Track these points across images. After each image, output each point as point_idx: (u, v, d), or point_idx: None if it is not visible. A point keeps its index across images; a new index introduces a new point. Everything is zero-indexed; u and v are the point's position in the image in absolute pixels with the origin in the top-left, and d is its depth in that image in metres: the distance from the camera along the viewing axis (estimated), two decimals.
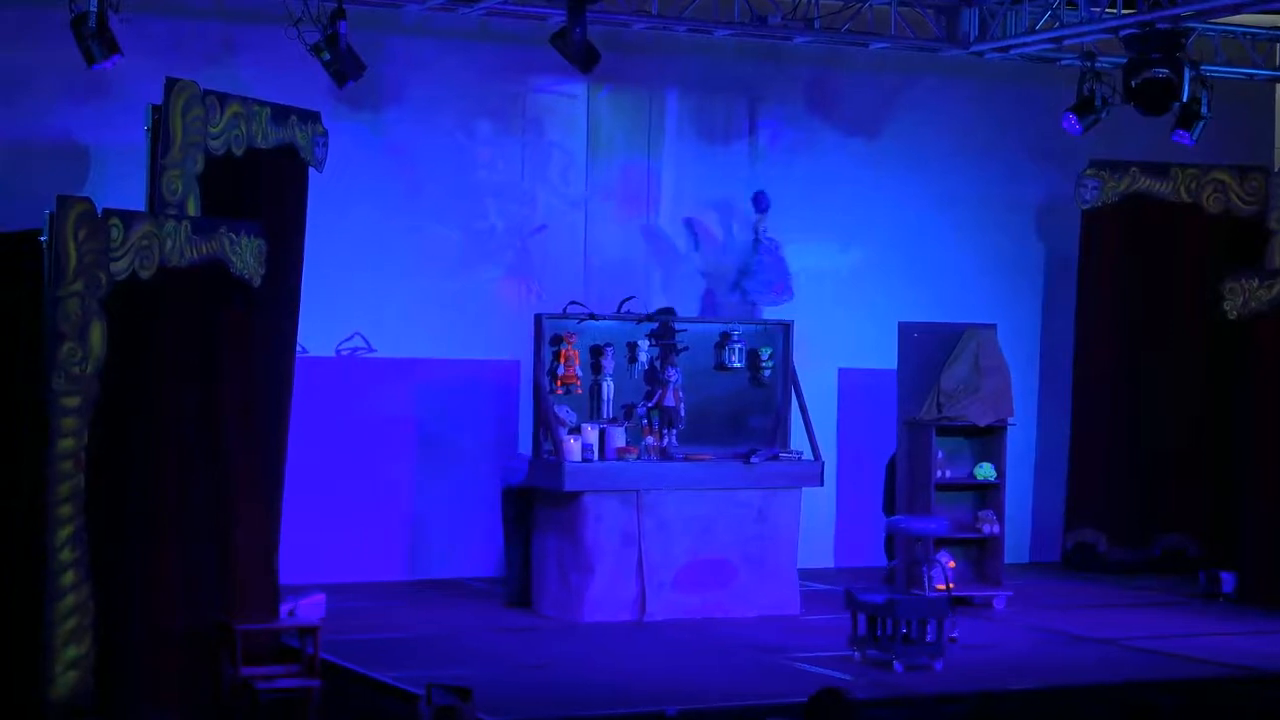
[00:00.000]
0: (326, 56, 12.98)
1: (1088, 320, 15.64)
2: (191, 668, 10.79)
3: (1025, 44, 14.65)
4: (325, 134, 12.98)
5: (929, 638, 11.16)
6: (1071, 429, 15.71)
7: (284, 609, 11.75)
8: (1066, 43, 14.53)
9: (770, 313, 14.76)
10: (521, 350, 14.90)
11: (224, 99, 11.88)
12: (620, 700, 10.30)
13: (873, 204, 16.12)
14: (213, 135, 11.80)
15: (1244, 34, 15.58)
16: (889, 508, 14.37)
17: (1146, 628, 12.89)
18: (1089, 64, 14.69)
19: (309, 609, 11.91)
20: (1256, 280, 14.52)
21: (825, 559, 15.39)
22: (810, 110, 16.08)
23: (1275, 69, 15.99)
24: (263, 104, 12.31)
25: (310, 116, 12.87)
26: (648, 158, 15.62)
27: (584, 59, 13.09)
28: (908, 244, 16.19)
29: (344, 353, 14.66)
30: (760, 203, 15.29)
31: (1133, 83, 13.34)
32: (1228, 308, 14.58)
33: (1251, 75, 15.88)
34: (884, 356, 15.55)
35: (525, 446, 14.68)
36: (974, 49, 14.80)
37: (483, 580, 14.73)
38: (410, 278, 14.84)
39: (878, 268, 16.09)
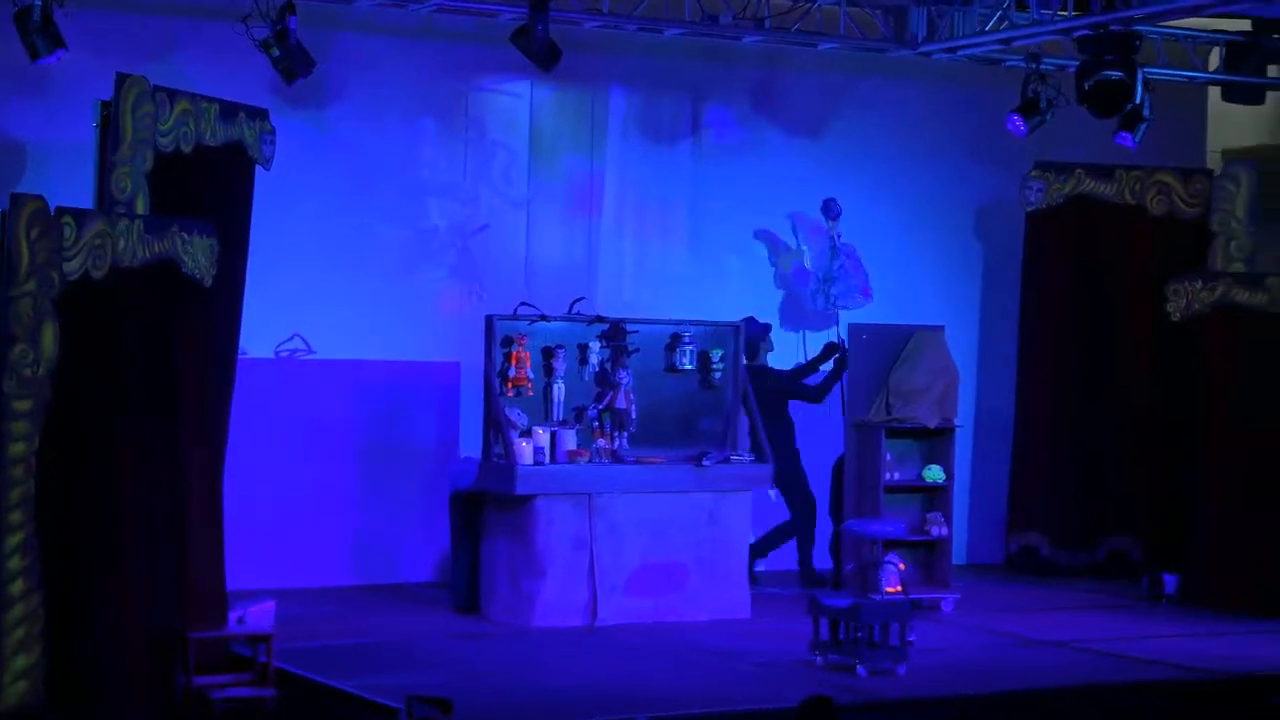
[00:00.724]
0: (276, 53, 12.77)
1: (1031, 322, 15.65)
2: (144, 677, 10.56)
3: (974, 45, 14.60)
4: (273, 131, 12.78)
5: (892, 641, 11.08)
6: (1014, 431, 15.70)
7: (233, 616, 11.52)
8: (1016, 44, 14.50)
9: (722, 314, 14.52)
10: (463, 352, 14.78)
11: (173, 95, 11.66)
12: (583, 708, 10.16)
13: (818, 205, 16.01)
14: (162, 132, 11.57)
15: (1185, 37, 15.61)
16: (836, 510, 14.31)
17: (1098, 630, 12.89)
18: (1034, 66, 14.68)
19: (258, 616, 11.66)
20: (1200, 282, 14.56)
21: (767, 561, 15.27)
22: (755, 110, 15.99)
23: (1212, 73, 16.00)
24: (211, 100, 12.09)
25: (258, 114, 12.66)
26: (591, 157, 15.49)
27: (545, 57, 12.95)
28: (859, 246, 16.10)
29: (283, 354, 14.43)
30: (831, 209, 15.31)
31: (1085, 85, 13.31)
32: (1171, 310, 14.61)
33: (1192, 78, 15.91)
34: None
35: (467, 449, 14.55)
36: (922, 49, 14.72)
37: (426, 585, 14.54)
38: (350, 278, 14.61)
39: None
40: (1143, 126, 14.61)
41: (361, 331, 14.64)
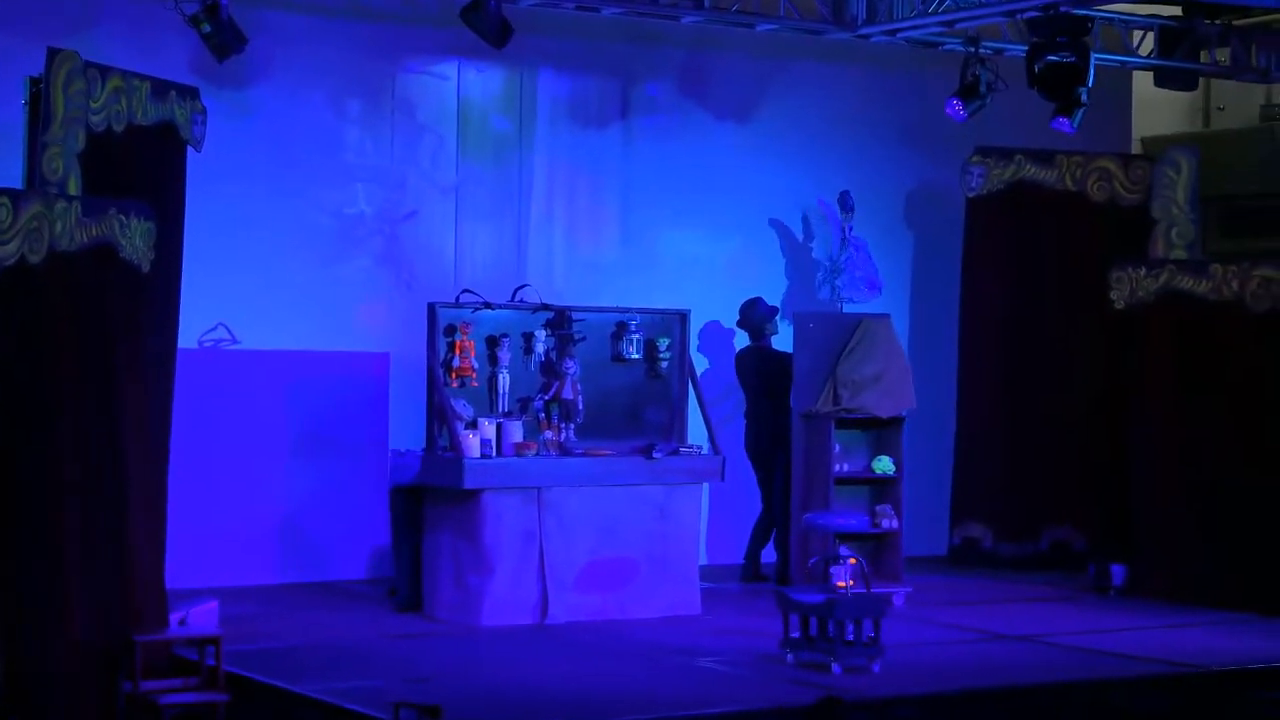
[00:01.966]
0: (206, 28, 12.23)
1: (972, 310, 15.40)
2: (87, 683, 10.06)
3: (915, 27, 14.29)
4: (204, 111, 12.26)
5: (865, 638, 10.74)
6: (956, 422, 15.45)
7: (174, 618, 11.00)
8: (959, 26, 14.19)
9: (655, 301, 14.13)
10: (392, 342, 14.37)
11: (105, 72, 11.11)
12: (557, 712, 9.74)
13: (747, 189, 15.71)
14: (94, 110, 11.04)
15: (1119, 21, 15.42)
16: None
17: (1058, 623, 12.65)
18: (973, 49, 14.42)
19: (202, 617, 11.18)
20: (1143, 269, 14.36)
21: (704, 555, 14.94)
22: (684, 92, 15.64)
23: (1145, 57, 15.81)
24: (143, 78, 11.56)
25: (189, 92, 12.14)
26: (520, 141, 15.05)
27: (498, 33, 12.50)
28: (784, 232, 15.82)
29: (207, 344, 13.88)
30: (846, 202, 14.99)
31: (1036, 68, 13.04)
32: (1115, 298, 14.40)
33: (1125, 63, 15.72)
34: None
35: (397, 442, 14.09)
36: (861, 32, 14.39)
37: (358, 583, 14.07)
38: (275, 265, 14.11)
39: (755, 256, 15.68)
40: (1080, 112, 14.37)
41: (287, 321, 14.14)
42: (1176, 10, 15.73)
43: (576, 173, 15.30)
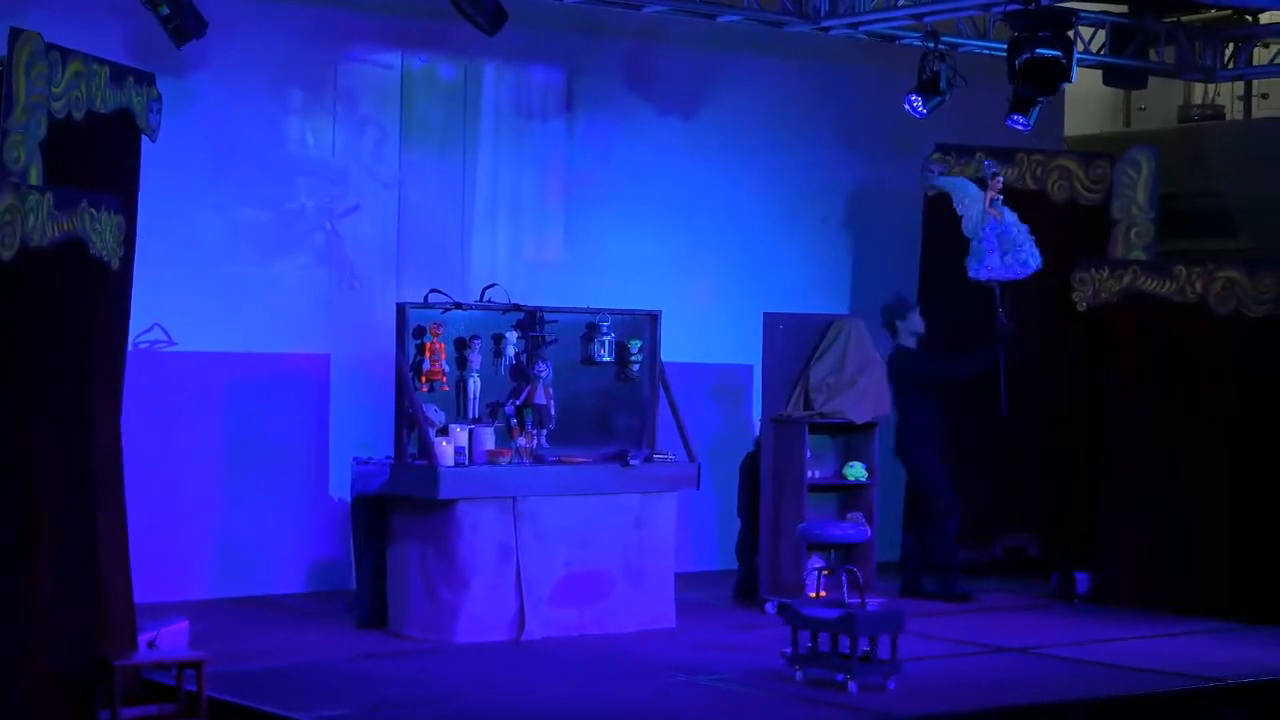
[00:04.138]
0: (165, 10, 11.50)
1: (928, 311, 14.97)
2: (66, 712, 9.34)
3: (881, 20, 13.89)
4: (159, 99, 11.48)
5: (881, 654, 10.30)
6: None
7: (142, 639, 10.28)
8: (927, 20, 13.82)
9: (598, 300, 13.48)
10: (333, 343, 13.78)
11: (66, 55, 10.34)
12: None
13: (692, 186, 15.26)
14: (55, 96, 10.25)
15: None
16: (745, 511, 13.52)
17: (1046, 634, 12.31)
18: (933, 44, 14.05)
19: (171, 638, 10.43)
20: (1106, 270, 14.10)
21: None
22: (630, 87, 15.13)
23: (1094, 54, 15.56)
24: (102, 63, 10.79)
25: (145, 79, 11.36)
26: (464, 134, 14.45)
27: (492, 18, 11.85)
28: (730, 230, 15.39)
29: (142, 346, 13.11)
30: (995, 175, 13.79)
31: (1017, 62, 12.68)
32: (1077, 299, 14.12)
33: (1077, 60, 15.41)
34: (713, 350, 14.82)
35: (338, 449, 13.50)
36: (824, 24, 13.96)
37: (299, 597, 13.41)
38: (214, 262, 13.40)
39: (701, 253, 15.22)
40: (1036, 109, 14.08)
41: (225, 321, 13.43)
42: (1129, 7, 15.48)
43: (521, 167, 14.74)
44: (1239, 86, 18.17)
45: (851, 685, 10.17)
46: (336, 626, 12.20)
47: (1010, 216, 13.33)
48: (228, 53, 13.38)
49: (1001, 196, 13.41)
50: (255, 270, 13.60)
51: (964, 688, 10.47)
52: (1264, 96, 18.33)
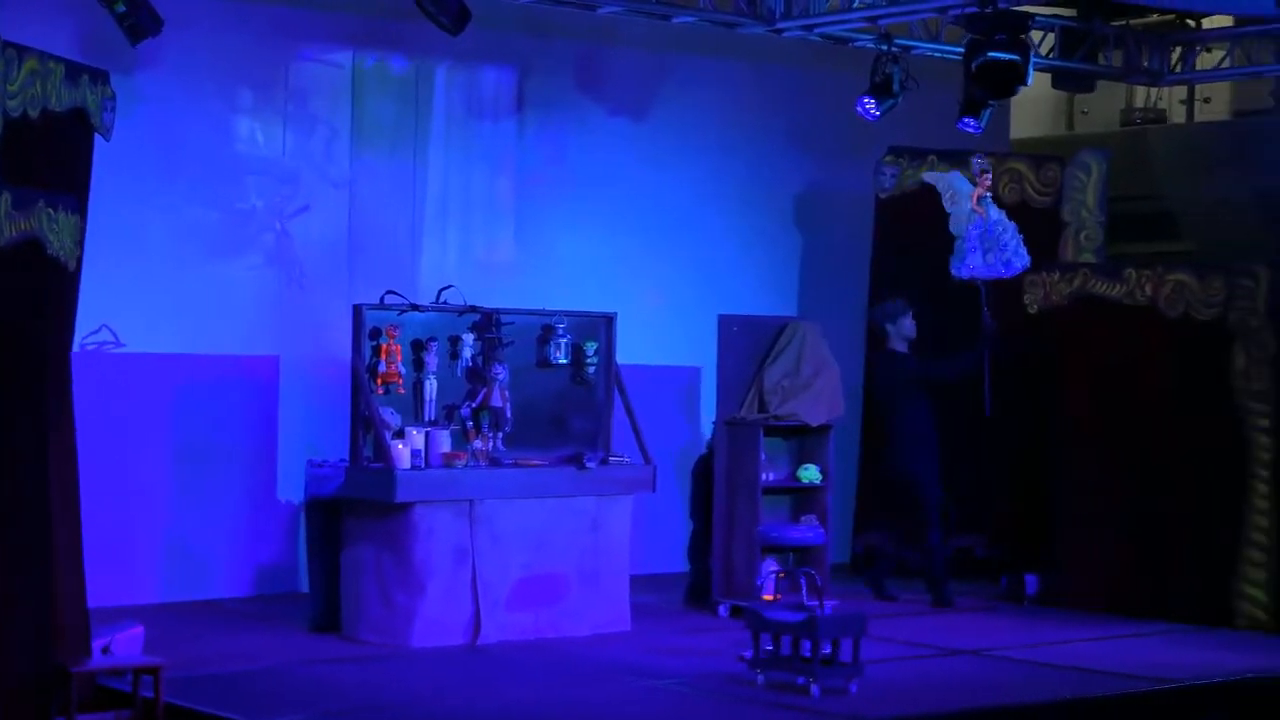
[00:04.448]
0: (121, 8, 11.35)
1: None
2: (21, 717, 9.19)
3: (836, 23, 13.87)
4: (113, 97, 11.30)
5: (844, 658, 10.28)
6: (861, 428, 15.07)
7: (96, 644, 10.15)
8: (881, 22, 13.81)
9: (550, 301, 13.42)
10: (282, 345, 13.66)
11: (22, 52, 10.19)
12: None
13: (641, 187, 15.22)
14: (10, 95, 10.11)
15: None
16: (698, 514, 13.48)
17: (1000, 636, 12.32)
18: (886, 46, 14.05)
19: (126, 643, 10.31)
20: (1057, 273, 14.13)
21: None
22: (581, 88, 15.07)
23: (1043, 58, 15.60)
24: (58, 60, 10.64)
25: (100, 77, 11.19)
26: (415, 134, 14.36)
27: (455, 18, 11.75)
28: (681, 232, 15.36)
29: (90, 347, 12.95)
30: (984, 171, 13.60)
31: (973, 65, 12.68)
32: (1028, 301, 14.14)
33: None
34: (662, 352, 14.76)
35: (286, 451, 13.39)
36: (778, 26, 13.93)
37: (246, 601, 13.29)
38: (163, 263, 13.25)
39: (653, 256, 15.19)
40: (987, 112, 14.09)
41: (173, 323, 13.29)
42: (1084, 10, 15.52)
43: (472, 168, 14.68)
44: (1181, 90, 18.26)
45: (814, 688, 10.14)
46: (289, 630, 12.09)
47: (996, 215, 13.22)
48: (177, 51, 13.21)
49: (990, 194, 13.27)
50: (204, 271, 13.47)
51: (926, 690, 10.46)
52: (1206, 100, 18.44)
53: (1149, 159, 17.83)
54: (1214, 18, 16.41)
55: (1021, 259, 13.28)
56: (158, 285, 13.21)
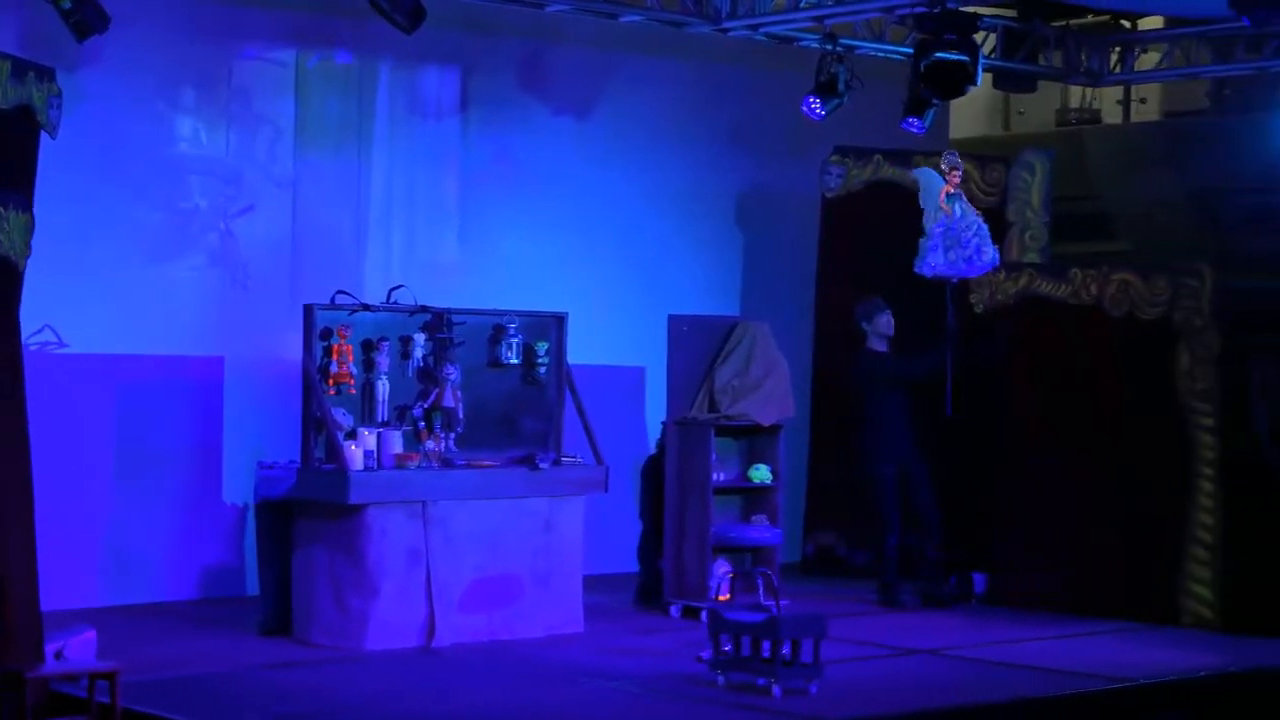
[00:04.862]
0: (67, 5, 11.16)
1: (827, 314, 15.01)
2: None
3: (782, 22, 13.84)
4: (60, 94, 11.16)
5: (804, 658, 10.26)
6: (810, 429, 15.06)
7: (49, 650, 10.00)
8: (828, 22, 13.80)
9: (502, 301, 13.35)
10: (226, 345, 13.52)
11: None
12: None
13: (585, 187, 15.16)
14: None
15: None
16: (649, 515, 13.43)
17: (953, 635, 12.32)
18: (831, 46, 14.04)
19: (79, 648, 10.18)
20: (1003, 273, 14.15)
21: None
22: (524, 86, 15.00)
23: (986, 58, 15.59)
24: (5, 57, 10.50)
25: (46, 74, 11.04)
26: (359, 133, 14.24)
27: (410, 15, 11.63)
28: (625, 231, 15.31)
29: (32, 348, 12.73)
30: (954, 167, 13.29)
31: (922, 65, 12.68)
32: (974, 301, 14.17)
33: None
34: (606, 352, 14.70)
35: (234, 453, 13.28)
36: (724, 25, 13.88)
37: (191, 604, 13.14)
38: (105, 263, 13.09)
39: (597, 256, 15.13)
40: (931, 112, 14.14)
41: (116, 323, 13.13)
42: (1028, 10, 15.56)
43: (415, 166, 14.56)
44: (1117, 91, 18.35)
45: (775, 689, 10.10)
46: (239, 634, 11.96)
47: (960, 212, 13.07)
48: (118, 49, 13.01)
49: (960, 191, 13.15)
50: (148, 271, 13.32)
51: (886, 691, 10.46)
52: (1142, 101, 18.53)
53: (1085, 160, 17.89)
54: (1150, 19, 16.48)
55: (985, 257, 13.12)
56: (100, 285, 13.05)
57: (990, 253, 13.14)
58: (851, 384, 13.75)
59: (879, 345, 13.76)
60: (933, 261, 13.02)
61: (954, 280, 13.30)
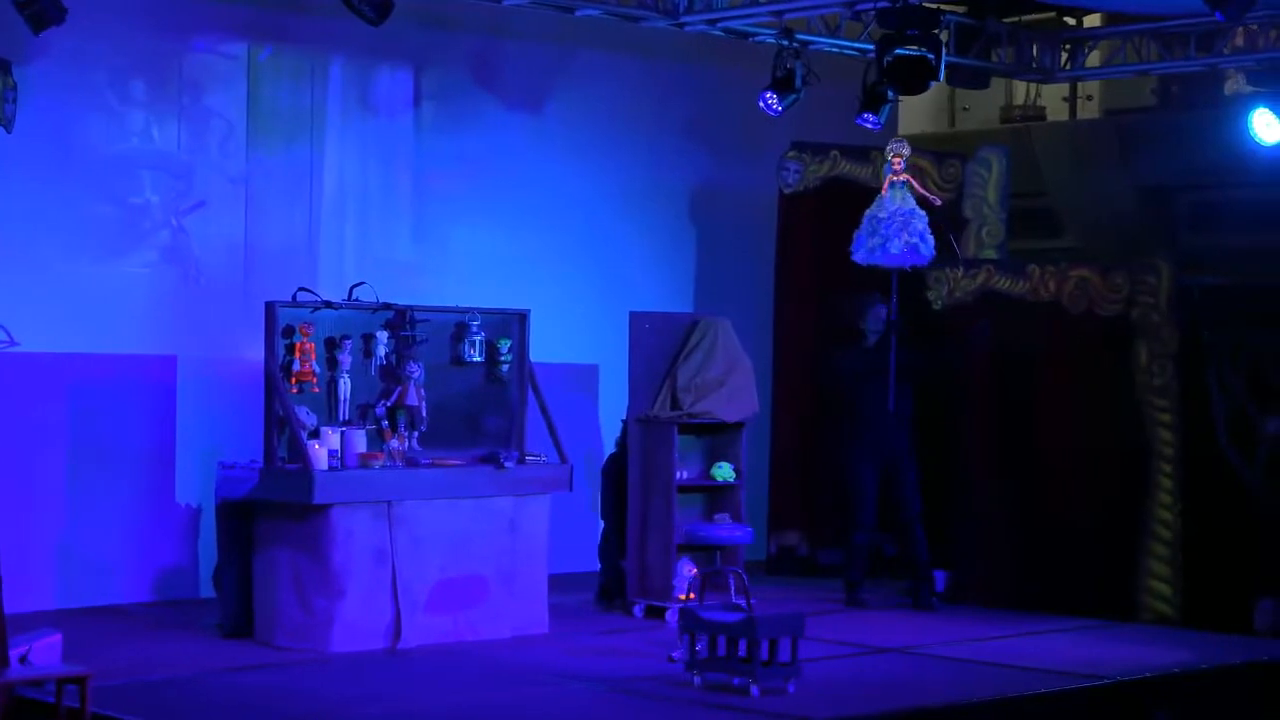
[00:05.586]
0: None
1: (786, 312, 14.92)
2: None
3: (741, 17, 13.74)
4: (15, 87, 11.05)
5: (782, 658, 10.16)
6: (771, 428, 14.97)
7: (14, 653, 9.77)
8: (787, 17, 13.71)
9: (456, 298, 13.14)
10: (179, 344, 13.31)
11: None
12: None
13: (538, 182, 15.01)
14: None
15: None
16: (611, 513, 13.31)
17: (923, 634, 12.27)
18: (788, 41, 13.95)
19: (44, 652, 9.92)
20: (961, 270, 14.13)
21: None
22: (477, 81, 14.83)
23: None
24: None
25: (2, 66, 10.87)
26: (311, 128, 14.04)
27: (379, 8, 11.44)
28: (579, 228, 15.17)
29: None
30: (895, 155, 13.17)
31: (885, 60, 12.59)
32: (933, 298, 14.13)
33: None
34: (560, 349, 14.58)
35: (184, 453, 13.06)
36: (682, 20, 13.77)
37: (147, 606, 12.92)
38: (55, 259, 12.85)
39: (551, 252, 14.98)
40: (887, 108, 14.09)
41: (67, 321, 12.88)
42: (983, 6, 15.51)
43: (368, 162, 14.38)
44: (1062, 88, 18.35)
45: (754, 689, 10.01)
46: (200, 636, 11.76)
47: (887, 201, 12.92)
48: (67, 41, 12.76)
49: (903, 179, 12.99)
50: (98, 268, 13.09)
51: (863, 690, 10.38)
52: (1089, 98, 18.55)
53: (1030, 156, 17.89)
54: (1093, 16, 16.47)
55: (896, 250, 12.86)
56: (51, 282, 12.81)
57: (898, 245, 12.87)
58: (835, 379, 13.61)
59: (870, 340, 13.62)
60: (856, 248, 12.99)
61: (890, 269, 13.11)
